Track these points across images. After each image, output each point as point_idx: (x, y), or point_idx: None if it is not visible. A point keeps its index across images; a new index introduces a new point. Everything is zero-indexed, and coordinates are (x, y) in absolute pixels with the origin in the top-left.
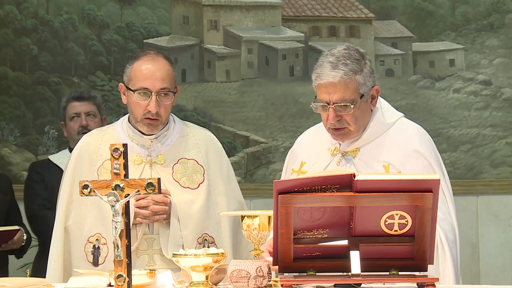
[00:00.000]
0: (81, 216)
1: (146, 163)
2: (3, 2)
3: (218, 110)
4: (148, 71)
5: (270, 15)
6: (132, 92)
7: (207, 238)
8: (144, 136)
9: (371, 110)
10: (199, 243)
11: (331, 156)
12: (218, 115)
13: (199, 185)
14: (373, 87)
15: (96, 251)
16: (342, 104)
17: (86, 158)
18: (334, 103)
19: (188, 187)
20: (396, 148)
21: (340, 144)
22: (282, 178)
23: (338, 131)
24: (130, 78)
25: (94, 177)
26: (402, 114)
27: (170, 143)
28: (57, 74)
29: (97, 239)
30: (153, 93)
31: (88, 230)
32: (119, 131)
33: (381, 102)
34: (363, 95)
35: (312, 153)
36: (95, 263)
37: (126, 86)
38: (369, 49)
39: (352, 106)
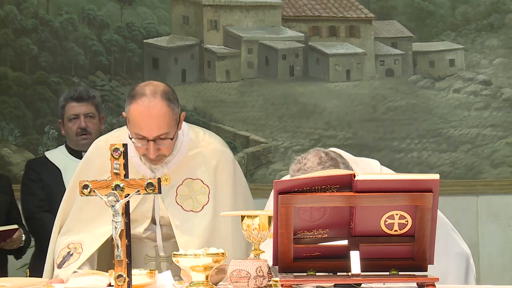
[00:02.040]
0: (72, 224)
1: None
2: (3, 2)
3: (218, 110)
4: (143, 119)
5: (270, 15)
6: (130, 134)
7: None
8: None
9: None
10: None
11: None
12: (218, 115)
13: (203, 207)
14: None
15: (67, 256)
16: None
17: (95, 164)
18: None
19: (192, 210)
20: None
21: None
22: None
23: None
24: (128, 119)
25: None
26: None
27: (176, 161)
28: (57, 74)
29: (75, 247)
30: (150, 141)
31: (73, 239)
32: (130, 145)
33: None
34: None
35: None
36: (60, 265)
37: (126, 123)
38: (369, 49)
39: None
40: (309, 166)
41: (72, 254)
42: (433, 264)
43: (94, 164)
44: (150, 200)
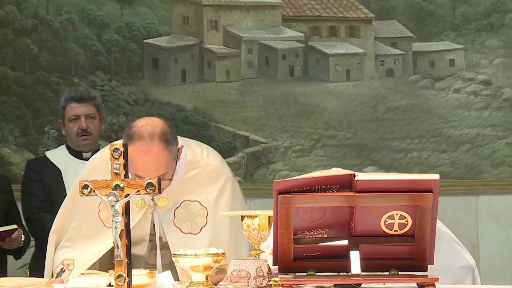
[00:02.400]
0: (69, 240)
1: (149, 207)
2: (3, 2)
3: (218, 110)
4: (141, 162)
5: (270, 15)
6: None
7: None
8: None
9: None
10: None
11: None
12: (218, 115)
13: (201, 229)
14: None
15: (60, 272)
16: None
17: (101, 173)
18: None
19: (190, 233)
20: None
21: None
22: None
23: None
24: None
25: (95, 206)
26: None
27: (174, 184)
28: (57, 74)
29: (68, 264)
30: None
31: (67, 255)
32: None
33: None
34: None
35: None
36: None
37: None
38: (369, 49)
39: None
40: None
41: (64, 271)
42: (433, 264)
43: (99, 174)
44: (148, 222)
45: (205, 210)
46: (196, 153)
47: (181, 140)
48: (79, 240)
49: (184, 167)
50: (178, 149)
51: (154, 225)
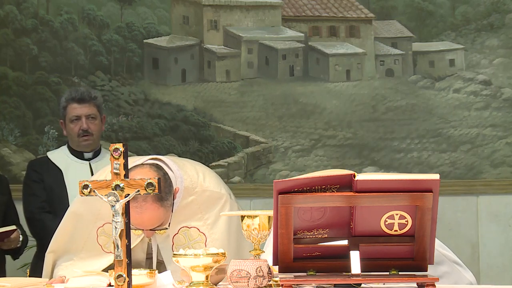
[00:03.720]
0: (66, 262)
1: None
2: (3, 2)
3: (218, 110)
4: (135, 220)
5: (270, 15)
6: None
7: None
8: None
9: None
10: None
11: None
12: (218, 115)
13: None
14: None
15: None
16: None
17: (88, 209)
18: None
19: None
20: None
21: None
22: None
23: None
24: None
25: (93, 234)
26: None
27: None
28: (57, 74)
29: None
30: (144, 231)
31: (65, 273)
32: None
33: None
34: None
35: None
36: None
37: None
38: (369, 49)
39: None
40: None
41: None
42: (433, 264)
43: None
44: (145, 249)
45: (203, 236)
46: (192, 179)
47: (175, 165)
48: (77, 262)
49: (181, 195)
50: (174, 194)
51: (151, 251)
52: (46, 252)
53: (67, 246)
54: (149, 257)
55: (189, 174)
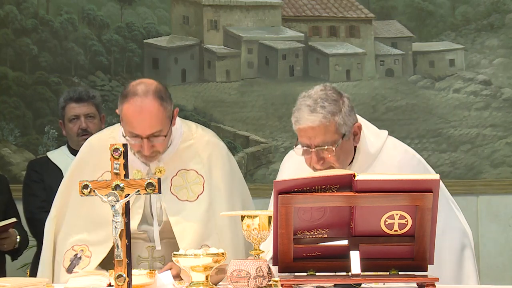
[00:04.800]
0: (71, 223)
1: (147, 177)
2: (3, 2)
3: (218, 110)
4: (135, 118)
5: (270, 15)
6: (124, 133)
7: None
8: None
9: (355, 146)
10: None
11: None
12: (218, 115)
13: (198, 197)
14: (354, 123)
15: (75, 259)
16: (323, 147)
17: (89, 162)
18: (315, 147)
19: (187, 200)
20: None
21: None
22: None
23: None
24: (121, 118)
25: None
26: (386, 134)
27: (170, 154)
28: (57, 74)
29: (82, 250)
30: (143, 138)
31: (76, 239)
32: (123, 141)
33: (364, 132)
34: (344, 134)
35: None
36: (69, 270)
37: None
38: (369, 49)
39: (333, 148)
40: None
41: (80, 258)
42: (433, 264)
43: (88, 162)
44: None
45: (202, 178)
46: (191, 127)
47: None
48: (82, 222)
49: (180, 138)
50: (173, 112)
51: (150, 197)
52: (48, 218)
53: (65, 204)
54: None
55: (188, 124)
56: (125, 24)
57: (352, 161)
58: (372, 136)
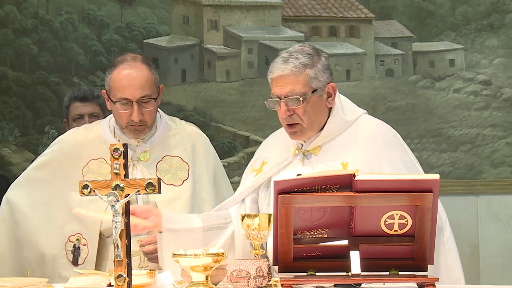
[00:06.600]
0: (61, 212)
1: (131, 162)
2: (3, 2)
3: (218, 110)
4: (126, 81)
5: (270, 15)
6: (114, 103)
7: None
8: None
9: (329, 108)
10: None
11: (293, 156)
12: (218, 115)
13: (183, 182)
14: (328, 83)
15: (76, 251)
16: (292, 97)
17: (69, 152)
18: (284, 97)
19: (172, 184)
20: (359, 145)
21: (302, 145)
22: (243, 177)
23: (292, 127)
24: (110, 87)
25: (78, 175)
26: (365, 111)
27: (155, 140)
28: (57, 74)
29: (77, 239)
30: (134, 103)
31: (69, 229)
32: (105, 130)
33: (342, 100)
34: (315, 90)
35: (274, 154)
36: (75, 262)
37: (107, 95)
38: (369, 49)
39: (301, 99)
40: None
41: (79, 248)
42: (433, 264)
43: (67, 151)
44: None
45: (187, 165)
46: (175, 120)
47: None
48: (64, 215)
49: (165, 125)
50: (159, 87)
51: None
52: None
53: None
54: None
55: (172, 118)
56: (125, 24)
57: (325, 124)
58: (350, 107)
